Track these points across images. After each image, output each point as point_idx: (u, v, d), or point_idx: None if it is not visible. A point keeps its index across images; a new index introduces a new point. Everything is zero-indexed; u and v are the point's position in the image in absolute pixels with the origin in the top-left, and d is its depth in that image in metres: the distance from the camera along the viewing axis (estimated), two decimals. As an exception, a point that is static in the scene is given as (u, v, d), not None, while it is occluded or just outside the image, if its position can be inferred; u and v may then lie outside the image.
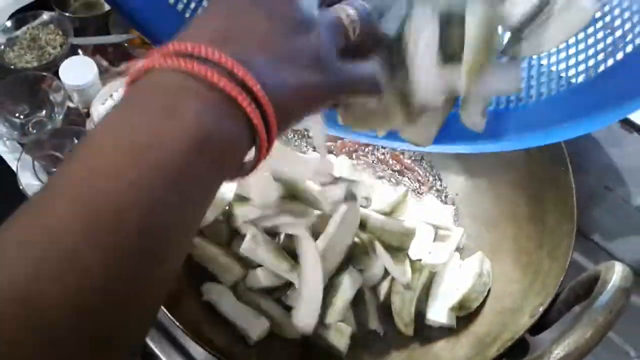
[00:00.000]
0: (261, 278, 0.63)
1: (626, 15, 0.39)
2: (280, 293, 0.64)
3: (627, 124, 0.63)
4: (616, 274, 0.49)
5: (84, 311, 0.21)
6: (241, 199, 0.65)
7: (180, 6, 0.48)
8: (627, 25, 0.39)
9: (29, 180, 0.77)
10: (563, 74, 0.43)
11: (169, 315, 0.54)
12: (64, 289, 0.21)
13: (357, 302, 0.65)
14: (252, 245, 0.61)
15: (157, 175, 0.23)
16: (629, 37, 0.38)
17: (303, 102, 0.29)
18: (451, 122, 0.44)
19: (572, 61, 0.43)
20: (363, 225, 0.65)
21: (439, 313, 0.63)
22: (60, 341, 0.21)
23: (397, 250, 0.65)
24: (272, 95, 0.26)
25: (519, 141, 0.43)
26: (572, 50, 0.43)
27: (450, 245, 0.66)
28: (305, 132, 0.79)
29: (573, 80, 0.42)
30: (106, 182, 0.22)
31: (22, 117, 0.85)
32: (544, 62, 0.45)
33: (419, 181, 0.76)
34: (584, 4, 0.38)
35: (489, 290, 0.64)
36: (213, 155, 0.25)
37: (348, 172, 0.70)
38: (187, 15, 0.48)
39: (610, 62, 0.39)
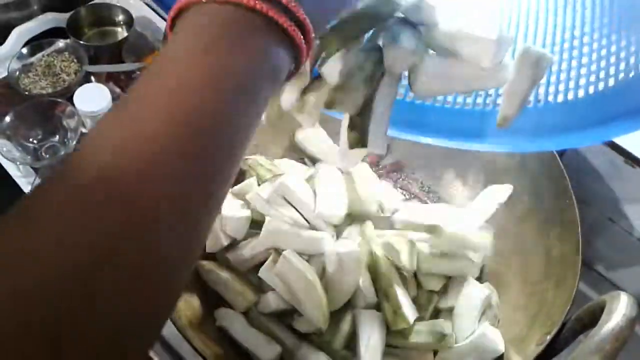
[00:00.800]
0: (272, 301, 0.64)
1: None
2: (290, 318, 0.65)
3: (630, 158, 0.65)
4: (622, 303, 0.51)
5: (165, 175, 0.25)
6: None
7: None
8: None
9: (42, 204, 0.77)
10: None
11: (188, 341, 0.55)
12: (145, 165, 0.25)
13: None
14: (271, 269, 0.62)
15: (227, 94, 0.28)
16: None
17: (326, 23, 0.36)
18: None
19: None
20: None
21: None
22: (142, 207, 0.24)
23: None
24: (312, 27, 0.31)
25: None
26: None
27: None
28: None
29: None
30: (187, 96, 0.27)
31: (35, 142, 0.86)
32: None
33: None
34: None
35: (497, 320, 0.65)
36: (272, 77, 0.31)
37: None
38: None
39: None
